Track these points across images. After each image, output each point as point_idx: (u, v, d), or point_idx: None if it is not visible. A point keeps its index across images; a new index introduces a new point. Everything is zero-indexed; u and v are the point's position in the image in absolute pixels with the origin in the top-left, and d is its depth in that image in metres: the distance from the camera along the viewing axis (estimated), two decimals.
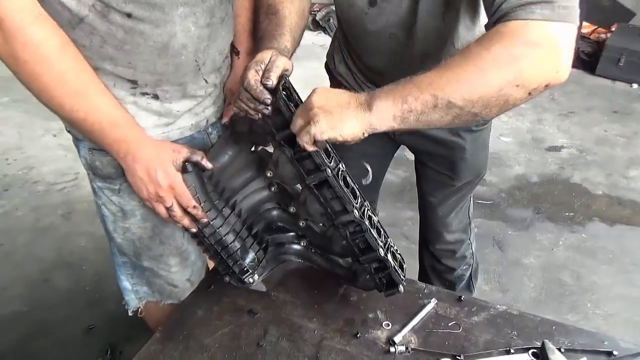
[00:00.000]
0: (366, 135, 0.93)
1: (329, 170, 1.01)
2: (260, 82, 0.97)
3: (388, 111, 0.90)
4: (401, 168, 3.23)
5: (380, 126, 0.92)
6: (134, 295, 1.38)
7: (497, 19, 0.90)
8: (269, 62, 1.00)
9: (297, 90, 1.04)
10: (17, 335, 2.23)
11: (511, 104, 0.88)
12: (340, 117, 0.91)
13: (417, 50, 1.25)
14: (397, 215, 2.93)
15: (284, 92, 0.99)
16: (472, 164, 1.54)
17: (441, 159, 1.53)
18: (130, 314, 1.41)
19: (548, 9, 0.84)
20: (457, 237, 1.74)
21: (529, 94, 0.87)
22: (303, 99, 0.99)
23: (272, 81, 0.98)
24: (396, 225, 2.86)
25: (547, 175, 3.33)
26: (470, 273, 1.89)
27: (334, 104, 0.93)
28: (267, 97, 0.98)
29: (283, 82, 1.00)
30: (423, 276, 1.94)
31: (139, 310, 1.40)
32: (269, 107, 0.99)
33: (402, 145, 1.64)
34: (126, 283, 1.36)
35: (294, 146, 1.03)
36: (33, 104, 1.13)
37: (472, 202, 1.79)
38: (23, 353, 2.15)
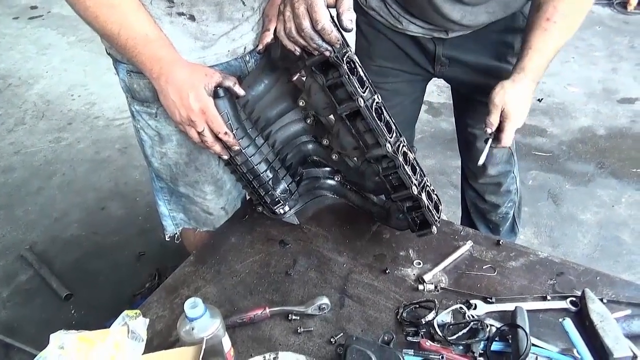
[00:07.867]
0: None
1: (362, 100, 0.96)
2: (338, 24, 0.88)
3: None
4: None
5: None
6: (171, 221, 1.41)
7: None
8: None
9: None
10: (76, 256, 2.41)
11: None
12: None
13: None
14: (446, 164, 2.83)
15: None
16: None
17: (486, 86, 1.43)
18: (167, 239, 1.45)
19: None
20: (500, 170, 1.67)
21: None
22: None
23: (352, 25, 0.89)
24: (444, 174, 2.77)
25: (616, 129, 3.08)
26: (514, 212, 1.81)
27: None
28: (340, 41, 0.90)
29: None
30: (466, 220, 1.88)
31: (176, 236, 1.44)
32: (335, 49, 0.91)
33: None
34: (164, 209, 1.40)
35: (327, 73, 0.99)
36: (97, 43, 1.14)
37: None
38: (80, 272, 2.31)
